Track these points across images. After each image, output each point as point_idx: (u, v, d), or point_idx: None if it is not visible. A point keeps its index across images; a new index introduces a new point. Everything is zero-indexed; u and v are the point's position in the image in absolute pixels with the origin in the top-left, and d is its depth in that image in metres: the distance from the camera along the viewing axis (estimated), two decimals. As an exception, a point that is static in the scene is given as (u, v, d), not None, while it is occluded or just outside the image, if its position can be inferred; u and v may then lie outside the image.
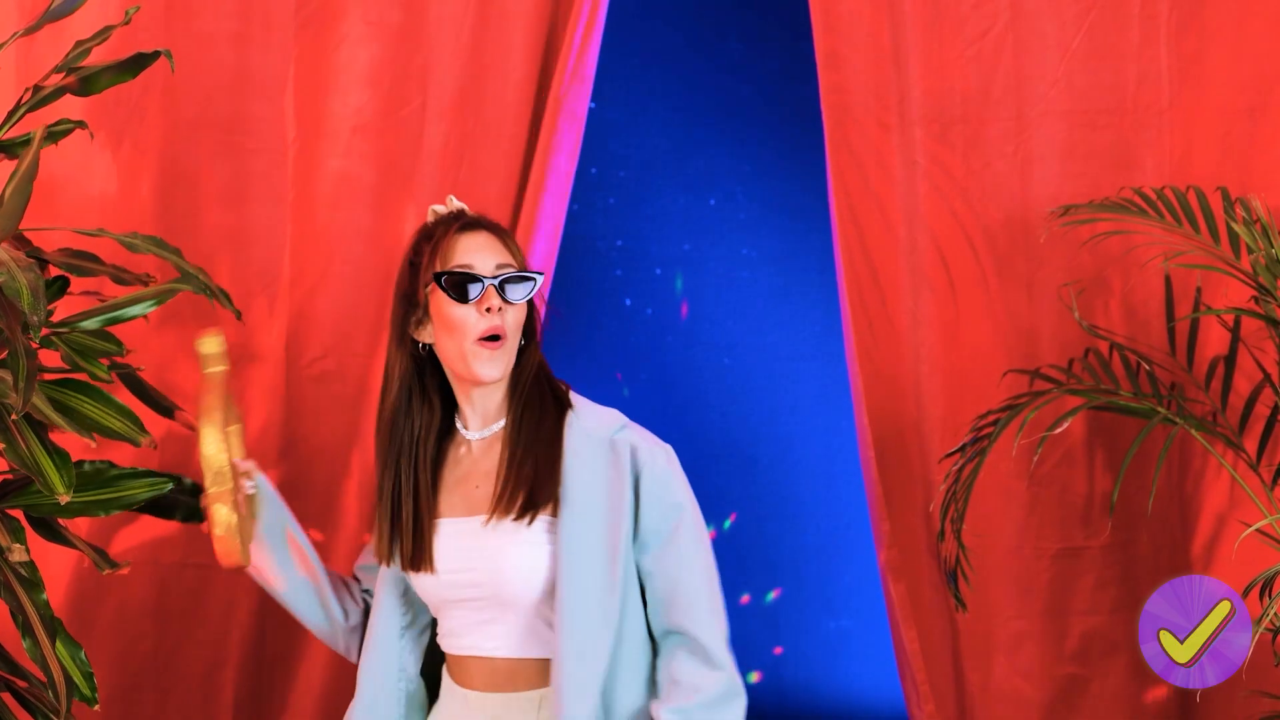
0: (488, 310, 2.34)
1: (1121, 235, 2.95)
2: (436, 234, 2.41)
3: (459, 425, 2.46)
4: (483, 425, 2.43)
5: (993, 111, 3.11)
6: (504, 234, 2.46)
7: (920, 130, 3.10)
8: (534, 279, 2.38)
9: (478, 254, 2.39)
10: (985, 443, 2.86)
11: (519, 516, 2.33)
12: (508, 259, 2.41)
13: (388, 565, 2.45)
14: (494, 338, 2.35)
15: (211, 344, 2.48)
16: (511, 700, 2.35)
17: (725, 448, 4.52)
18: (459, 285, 2.35)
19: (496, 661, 2.37)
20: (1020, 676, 3.06)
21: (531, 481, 2.34)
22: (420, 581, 2.42)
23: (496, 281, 2.36)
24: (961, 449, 2.92)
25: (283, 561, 2.53)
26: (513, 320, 2.38)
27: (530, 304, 2.43)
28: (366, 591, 2.62)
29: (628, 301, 4.55)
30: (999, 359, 3.07)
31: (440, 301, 2.37)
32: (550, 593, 2.32)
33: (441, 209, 2.48)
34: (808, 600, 4.39)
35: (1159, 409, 2.86)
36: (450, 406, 2.48)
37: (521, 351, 2.43)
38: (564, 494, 2.33)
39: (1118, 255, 3.02)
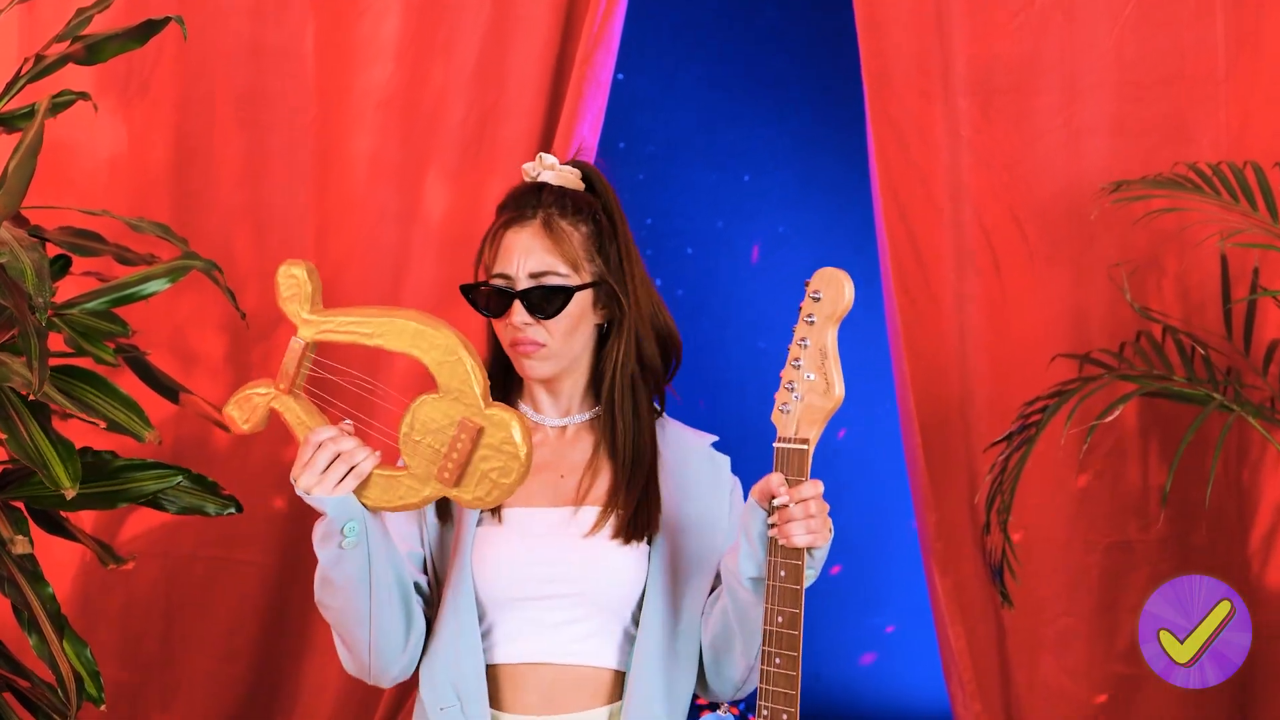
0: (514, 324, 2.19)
1: (1176, 213, 2.87)
2: (492, 227, 2.21)
3: (526, 409, 2.28)
4: (562, 414, 2.27)
5: (1041, 82, 3.03)
6: (558, 221, 2.20)
7: (965, 100, 3.03)
8: (567, 290, 2.17)
9: (515, 257, 2.18)
10: (1033, 431, 2.79)
11: (634, 538, 2.18)
12: (549, 262, 2.18)
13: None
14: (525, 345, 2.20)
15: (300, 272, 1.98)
16: None
17: (760, 432, 4.40)
18: (483, 303, 2.19)
19: (567, 670, 2.18)
20: (1068, 675, 3.01)
21: (648, 506, 2.21)
22: (488, 557, 2.17)
23: (523, 294, 2.17)
24: (1008, 437, 2.85)
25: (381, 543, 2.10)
26: (555, 327, 2.18)
27: (610, 296, 2.22)
28: None
29: (659, 282, 4.43)
30: (1047, 341, 3.00)
31: None
32: (639, 602, 2.20)
33: (531, 169, 2.27)
34: (848, 595, 4.28)
35: (1214, 395, 2.79)
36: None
37: (605, 341, 2.24)
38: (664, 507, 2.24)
39: (1172, 234, 2.94)
